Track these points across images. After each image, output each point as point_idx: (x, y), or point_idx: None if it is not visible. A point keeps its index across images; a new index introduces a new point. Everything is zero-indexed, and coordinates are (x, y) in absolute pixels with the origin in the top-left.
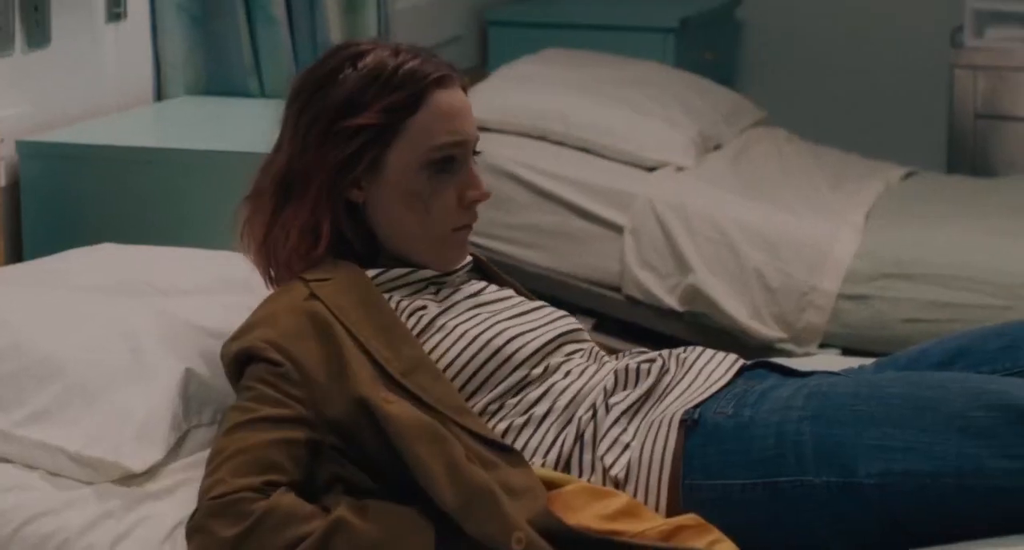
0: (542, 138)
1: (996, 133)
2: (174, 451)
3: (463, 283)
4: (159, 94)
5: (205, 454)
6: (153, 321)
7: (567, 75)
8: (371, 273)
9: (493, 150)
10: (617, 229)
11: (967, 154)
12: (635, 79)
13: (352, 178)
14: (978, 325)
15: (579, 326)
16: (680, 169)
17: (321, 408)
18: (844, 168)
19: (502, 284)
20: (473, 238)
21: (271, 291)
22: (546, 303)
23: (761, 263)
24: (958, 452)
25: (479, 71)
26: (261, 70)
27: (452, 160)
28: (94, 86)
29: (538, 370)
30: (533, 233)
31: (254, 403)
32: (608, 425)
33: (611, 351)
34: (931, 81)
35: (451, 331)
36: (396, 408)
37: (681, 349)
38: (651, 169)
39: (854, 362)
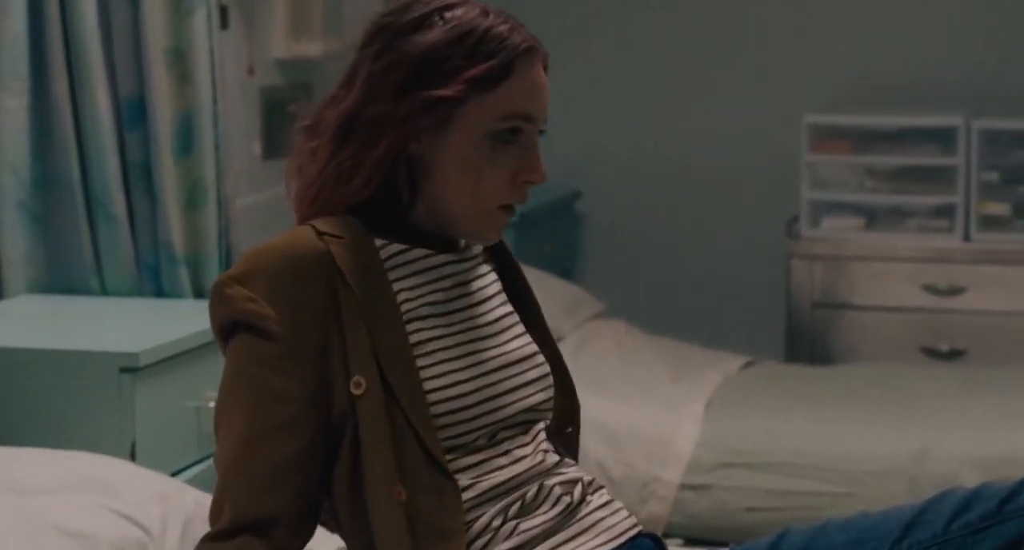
0: None
1: (833, 322)
2: None
3: (474, 280)
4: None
5: None
6: (12, 522)
7: None
8: (392, 250)
9: None
10: None
11: (805, 343)
12: None
13: (417, 136)
14: (819, 512)
15: (551, 394)
16: None
17: (328, 380)
18: (684, 359)
19: (513, 284)
20: None
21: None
22: (535, 346)
23: (603, 455)
24: None
25: None
26: (102, 268)
27: (518, 132)
28: None
29: (484, 440)
30: None
31: (263, 398)
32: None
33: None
34: (768, 271)
35: (436, 363)
36: (363, 418)
37: (593, 488)
38: None
39: None
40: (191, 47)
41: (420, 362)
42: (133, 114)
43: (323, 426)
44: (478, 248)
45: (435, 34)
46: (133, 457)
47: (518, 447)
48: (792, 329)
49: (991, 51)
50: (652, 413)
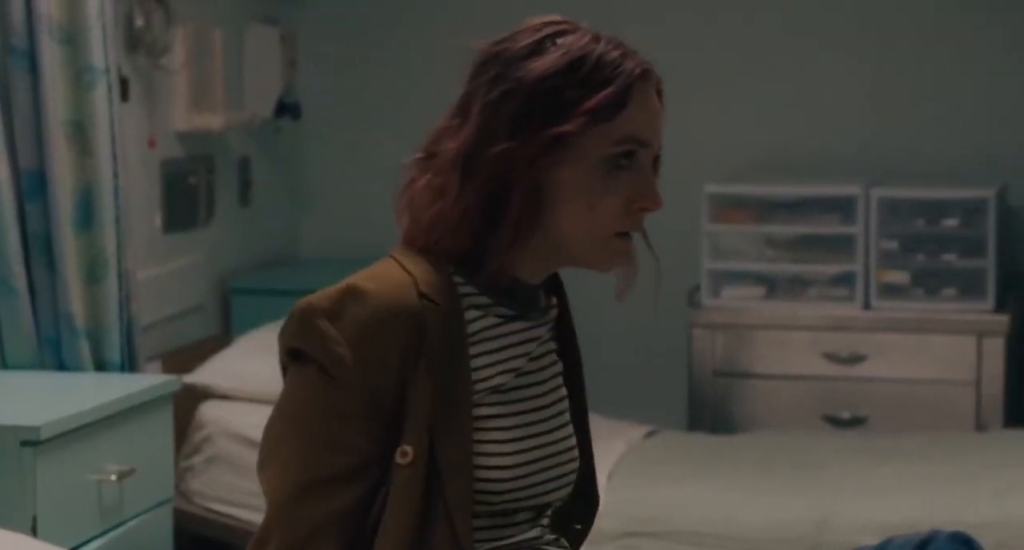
0: None
1: (735, 390)
2: None
3: (544, 356)
4: None
5: None
6: None
7: None
8: (481, 324)
9: (232, 417)
10: None
11: (707, 412)
12: None
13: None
14: None
15: (572, 487)
16: None
17: (391, 435)
18: None
19: (568, 363)
20: (215, 505)
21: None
22: (574, 438)
23: None
24: None
25: (224, 339)
26: (2, 341)
27: (632, 157)
28: None
29: (498, 515)
30: None
31: (323, 446)
32: None
33: None
34: (670, 340)
35: (488, 442)
36: (398, 485)
37: None
38: None
39: None
40: (91, 120)
41: (477, 435)
42: (33, 186)
43: (380, 478)
44: (551, 319)
45: (549, 60)
46: (34, 532)
47: (522, 523)
48: (694, 398)
49: (889, 121)
50: None
